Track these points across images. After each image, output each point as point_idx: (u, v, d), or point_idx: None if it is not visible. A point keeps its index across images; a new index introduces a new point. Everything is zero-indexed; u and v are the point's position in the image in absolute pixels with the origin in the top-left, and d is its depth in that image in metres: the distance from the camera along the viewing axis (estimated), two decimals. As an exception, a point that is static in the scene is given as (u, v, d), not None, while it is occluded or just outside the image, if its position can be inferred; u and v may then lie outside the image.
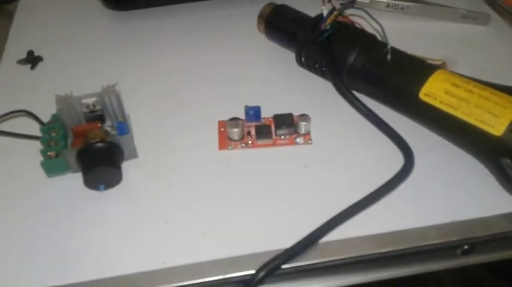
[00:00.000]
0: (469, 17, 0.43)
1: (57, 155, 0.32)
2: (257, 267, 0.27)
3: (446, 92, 0.31)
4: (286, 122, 0.35)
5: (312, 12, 0.39)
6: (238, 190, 0.32)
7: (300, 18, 0.39)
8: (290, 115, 0.35)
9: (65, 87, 0.34)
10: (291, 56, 0.40)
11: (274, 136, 0.35)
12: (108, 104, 0.33)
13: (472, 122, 0.30)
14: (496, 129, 0.29)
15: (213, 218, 0.31)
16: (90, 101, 0.33)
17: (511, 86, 0.32)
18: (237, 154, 0.34)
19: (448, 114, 0.31)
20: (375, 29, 0.35)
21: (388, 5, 0.44)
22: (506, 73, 0.38)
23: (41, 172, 0.32)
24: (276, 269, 0.27)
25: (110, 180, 0.31)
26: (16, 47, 0.43)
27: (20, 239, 0.30)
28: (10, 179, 0.33)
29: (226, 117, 0.36)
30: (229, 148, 0.35)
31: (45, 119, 0.34)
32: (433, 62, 0.35)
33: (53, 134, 0.33)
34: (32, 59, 0.42)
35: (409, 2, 0.43)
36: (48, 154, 0.32)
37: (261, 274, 0.27)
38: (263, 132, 0.35)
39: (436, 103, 0.31)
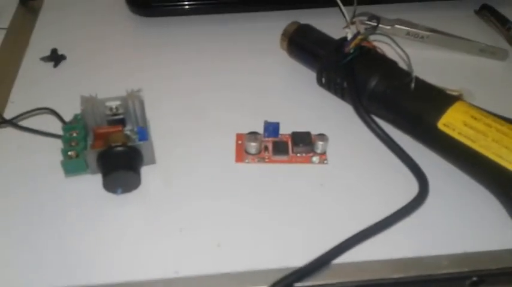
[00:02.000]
0: (487, 51, 0.43)
1: (77, 156, 0.32)
2: (269, 283, 0.28)
3: (465, 124, 0.32)
4: (304, 140, 0.35)
5: (333, 34, 0.40)
6: (253, 203, 0.32)
7: (323, 39, 0.40)
8: (308, 134, 0.36)
9: (86, 88, 0.34)
10: (311, 75, 0.40)
11: (290, 153, 0.35)
12: (131, 108, 0.33)
13: (489, 155, 0.31)
14: (513, 164, 0.30)
15: (227, 229, 0.31)
16: (114, 104, 0.33)
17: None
18: (253, 168, 0.35)
19: (466, 146, 0.31)
20: (399, 56, 0.36)
21: (408, 33, 0.45)
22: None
23: (58, 170, 0.33)
24: None
25: (128, 184, 0.32)
26: (40, 44, 0.44)
27: (33, 236, 0.30)
28: (28, 176, 0.33)
29: (244, 130, 0.36)
30: (246, 161, 0.35)
31: (65, 117, 0.34)
32: (451, 93, 0.36)
33: (74, 134, 0.33)
34: (56, 57, 0.42)
35: (429, 31, 0.44)
36: (69, 153, 0.32)
37: (274, 290, 0.27)
38: (280, 148, 0.35)
39: (454, 134, 0.32)
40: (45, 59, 0.42)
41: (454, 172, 0.34)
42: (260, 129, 0.36)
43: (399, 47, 0.34)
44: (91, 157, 0.31)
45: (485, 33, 0.46)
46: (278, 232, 0.31)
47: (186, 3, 0.45)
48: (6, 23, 0.47)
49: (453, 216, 0.32)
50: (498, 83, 0.42)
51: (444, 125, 0.32)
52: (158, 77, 0.41)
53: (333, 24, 0.40)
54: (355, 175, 0.34)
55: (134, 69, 0.42)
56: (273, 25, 0.42)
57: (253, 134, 0.35)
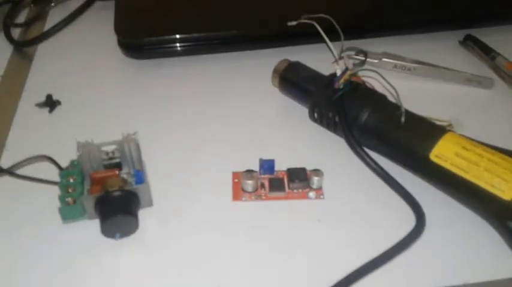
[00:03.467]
0: (473, 80, 0.45)
1: (74, 202, 0.32)
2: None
3: (457, 155, 0.32)
4: (299, 176, 0.36)
5: (322, 69, 0.41)
6: (252, 242, 0.32)
7: (313, 76, 0.41)
8: (303, 170, 0.36)
9: (82, 132, 0.34)
10: (303, 110, 0.41)
11: (287, 189, 0.36)
12: (127, 152, 0.34)
13: (482, 185, 0.31)
14: (506, 193, 0.30)
15: (227, 270, 0.31)
16: (110, 148, 0.34)
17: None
18: (251, 206, 0.35)
19: (459, 177, 0.32)
20: (387, 90, 0.37)
21: (395, 66, 0.46)
22: (508, 137, 0.39)
23: (56, 217, 0.33)
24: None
25: (127, 228, 0.32)
26: (35, 90, 0.44)
27: (32, 284, 0.30)
28: (26, 223, 0.33)
29: (240, 169, 0.36)
30: (243, 199, 0.35)
31: (62, 163, 0.34)
32: (441, 123, 0.37)
33: (71, 180, 0.33)
34: (50, 103, 0.42)
35: (416, 63, 0.45)
36: (67, 200, 0.32)
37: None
38: (276, 185, 0.36)
39: (446, 165, 0.32)
40: (40, 105, 0.42)
41: (450, 202, 0.34)
42: (256, 166, 0.36)
43: (386, 81, 0.35)
44: (88, 202, 0.32)
45: (470, 63, 0.47)
46: (277, 269, 0.31)
47: (178, 45, 0.46)
48: (1, 70, 0.48)
49: (451, 247, 0.32)
50: (486, 112, 0.42)
51: (436, 156, 0.33)
52: (153, 118, 0.42)
53: (322, 60, 0.41)
54: (352, 209, 0.34)
55: (129, 112, 0.42)
56: (263, 63, 0.43)
57: (249, 172, 0.36)
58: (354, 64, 0.39)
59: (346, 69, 0.38)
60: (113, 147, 0.34)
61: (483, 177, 0.31)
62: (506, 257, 0.31)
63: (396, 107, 0.35)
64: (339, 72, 0.38)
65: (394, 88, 0.34)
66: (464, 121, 0.40)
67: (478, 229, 0.33)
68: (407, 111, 0.35)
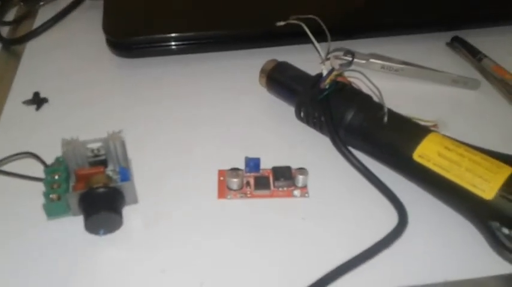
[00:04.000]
0: (459, 81, 0.45)
1: (59, 198, 0.32)
2: (253, 320, 0.28)
3: (439, 155, 0.33)
4: (284, 175, 0.36)
5: (310, 70, 0.41)
6: (236, 239, 0.33)
7: (300, 76, 0.41)
8: (288, 168, 0.36)
9: (68, 130, 0.34)
10: (290, 109, 0.41)
11: (272, 188, 0.36)
12: (113, 149, 0.34)
13: (463, 185, 0.32)
14: (487, 193, 0.31)
15: (210, 268, 0.31)
16: (95, 145, 0.34)
17: (497, 151, 0.33)
18: (236, 204, 0.35)
19: (441, 176, 0.32)
20: (372, 90, 0.37)
21: (383, 67, 0.46)
22: (492, 138, 0.39)
23: (40, 213, 0.33)
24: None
25: (111, 225, 0.32)
26: (22, 88, 0.44)
27: (15, 280, 0.30)
28: (9, 219, 0.33)
29: (225, 167, 0.36)
30: (228, 197, 0.35)
31: (47, 160, 0.34)
32: (426, 124, 0.37)
33: (56, 177, 0.33)
34: (38, 100, 0.42)
35: (403, 64, 0.46)
36: (51, 196, 0.32)
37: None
38: (262, 183, 0.36)
39: (429, 165, 0.33)
40: (27, 102, 0.42)
41: (432, 201, 0.35)
42: (242, 165, 0.37)
43: (370, 81, 0.35)
44: (72, 199, 0.32)
45: (457, 64, 0.48)
46: (261, 267, 0.31)
47: (166, 44, 0.46)
48: (-12, 68, 0.48)
49: (433, 245, 0.32)
50: (471, 112, 0.43)
51: (419, 156, 0.33)
52: (140, 117, 0.42)
53: (309, 60, 0.41)
54: (336, 207, 0.35)
55: (116, 110, 0.42)
56: (251, 63, 0.44)
57: (234, 170, 0.36)
58: (341, 65, 0.39)
59: (332, 69, 0.38)
60: (98, 144, 0.34)
61: (465, 177, 0.32)
62: (487, 255, 0.32)
63: (381, 107, 0.36)
64: (325, 73, 0.38)
65: (377, 88, 0.35)
66: (450, 122, 0.40)
67: (459, 228, 0.33)
68: (391, 112, 0.36)
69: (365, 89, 0.38)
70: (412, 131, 0.35)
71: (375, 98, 0.37)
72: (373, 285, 0.30)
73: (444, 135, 0.34)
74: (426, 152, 0.33)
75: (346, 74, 0.40)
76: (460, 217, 0.34)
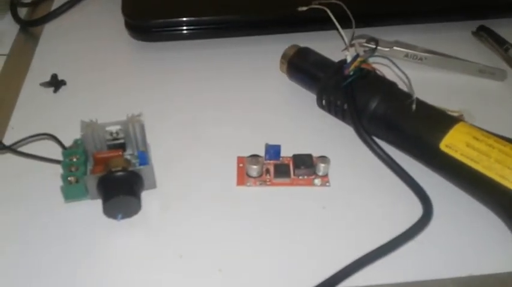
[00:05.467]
0: (486, 71, 0.44)
1: (77, 181, 0.32)
2: (273, 309, 0.27)
3: (468, 145, 0.32)
4: (305, 163, 0.35)
5: (332, 57, 0.40)
6: (255, 227, 0.32)
7: (322, 62, 0.40)
8: (309, 156, 0.35)
9: (86, 113, 0.34)
10: (311, 97, 0.40)
11: (292, 176, 0.35)
12: (132, 133, 0.33)
13: (492, 176, 0.30)
14: (517, 185, 0.30)
15: (228, 254, 0.30)
16: (114, 129, 0.33)
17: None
18: (255, 191, 0.34)
19: (469, 167, 0.31)
20: (399, 77, 0.36)
21: (407, 55, 0.45)
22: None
23: (58, 196, 0.32)
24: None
25: (129, 210, 0.31)
26: (40, 70, 0.44)
27: (32, 262, 0.30)
28: (28, 201, 0.33)
29: (245, 153, 0.36)
30: (248, 184, 0.35)
31: (65, 142, 0.34)
32: (451, 113, 0.36)
33: (74, 159, 0.33)
34: (56, 83, 0.42)
35: (427, 53, 0.44)
36: (69, 179, 0.32)
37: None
38: (282, 171, 0.35)
39: (456, 155, 0.32)
40: (45, 84, 0.42)
41: (458, 193, 0.34)
42: (261, 152, 0.36)
43: (399, 68, 0.34)
44: (91, 182, 0.31)
45: (483, 54, 0.47)
46: (280, 256, 0.30)
47: (185, 28, 0.45)
48: (6, 49, 0.47)
49: (458, 238, 0.31)
50: (497, 104, 0.42)
51: (446, 146, 0.32)
52: (159, 101, 0.41)
53: (332, 47, 0.40)
54: (358, 197, 0.34)
55: (134, 94, 0.42)
56: (272, 48, 0.43)
57: (254, 157, 0.35)
58: (365, 51, 0.38)
59: (357, 55, 0.37)
60: (117, 127, 0.33)
61: (494, 168, 0.30)
62: (513, 250, 0.31)
63: (407, 95, 0.35)
64: (349, 59, 0.37)
65: (406, 75, 0.33)
66: (476, 112, 0.39)
67: (485, 221, 0.32)
68: (418, 100, 0.35)
69: (390, 77, 0.37)
70: (439, 120, 0.34)
71: (401, 86, 0.36)
72: (396, 278, 0.29)
73: (473, 125, 0.33)
74: (454, 142, 0.32)
75: (371, 61, 0.39)
76: (486, 210, 0.33)
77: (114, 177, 0.31)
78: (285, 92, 0.42)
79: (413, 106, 0.33)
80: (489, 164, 0.31)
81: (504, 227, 0.32)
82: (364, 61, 0.37)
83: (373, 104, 0.36)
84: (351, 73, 0.36)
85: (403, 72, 0.34)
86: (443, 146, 0.32)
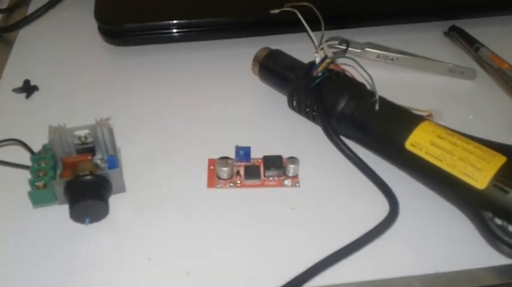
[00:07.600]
0: (456, 71, 0.44)
1: (44, 186, 0.32)
2: (238, 310, 0.27)
3: (432, 144, 0.32)
4: (275, 164, 0.35)
5: (303, 59, 0.40)
6: (225, 229, 0.32)
7: (293, 64, 0.40)
8: (279, 157, 0.36)
9: (58, 118, 0.34)
10: (283, 98, 0.41)
11: (262, 177, 0.35)
12: (100, 137, 0.33)
13: (455, 174, 0.31)
14: (479, 182, 0.30)
15: (197, 256, 0.31)
16: (83, 133, 0.33)
17: (493, 141, 0.33)
18: (225, 193, 0.35)
19: (433, 165, 0.32)
20: (365, 79, 0.36)
21: (378, 56, 0.45)
22: (489, 128, 0.39)
23: (27, 201, 0.32)
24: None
25: (96, 214, 0.31)
26: (13, 76, 0.44)
27: (0, 268, 0.30)
28: (-5, 207, 0.33)
29: (216, 156, 0.36)
30: (218, 186, 0.35)
31: (37, 148, 0.34)
32: (420, 113, 0.36)
33: (43, 164, 0.33)
34: (28, 88, 0.42)
35: (399, 54, 0.45)
36: (36, 184, 0.32)
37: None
38: (252, 172, 0.35)
39: (421, 154, 0.32)
40: (18, 90, 0.42)
41: (424, 191, 0.34)
42: (232, 154, 0.36)
43: (363, 68, 0.34)
44: (58, 186, 0.31)
45: (454, 54, 0.47)
46: (249, 257, 0.31)
47: (157, 32, 0.45)
48: (-20, 55, 0.47)
49: (424, 236, 0.32)
50: (467, 103, 0.42)
51: (412, 145, 0.33)
52: (130, 105, 0.41)
53: (304, 49, 0.40)
54: (327, 197, 0.34)
55: (107, 98, 0.42)
56: (245, 51, 0.43)
57: (224, 159, 0.35)
58: (334, 53, 0.39)
59: (326, 57, 0.37)
60: (85, 131, 0.33)
61: (457, 166, 0.31)
62: (479, 246, 0.31)
63: (372, 95, 0.35)
64: (317, 60, 0.37)
65: (369, 75, 0.34)
66: (446, 111, 0.40)
67: (452, 218, 0.33)
68: (383, 100, 0.35)
69: (360, 79, 0.38)
70: (405, 119, 0.34)
71: (368, 87, 0.37)
72: (364, 275, 0.30)
73: (437, 124, 0.34)
74: (419, 141, 0.32)
75: (340, 63, 0.39)
76: (453, 207, 0.33)
77: (81, 181, 0.31)
78: (257, 94, 0.43)
79: (377, 106, 0.34)
80: (452, 161, 0.31)
81: (470, 224, 0.32)
82: (332, 62, 0.37)
83: (341, 105, 0.36)
84: (319, 74, 0.37)
85: (367, 72, 0.34)
86: (408, 145, 0.33)
